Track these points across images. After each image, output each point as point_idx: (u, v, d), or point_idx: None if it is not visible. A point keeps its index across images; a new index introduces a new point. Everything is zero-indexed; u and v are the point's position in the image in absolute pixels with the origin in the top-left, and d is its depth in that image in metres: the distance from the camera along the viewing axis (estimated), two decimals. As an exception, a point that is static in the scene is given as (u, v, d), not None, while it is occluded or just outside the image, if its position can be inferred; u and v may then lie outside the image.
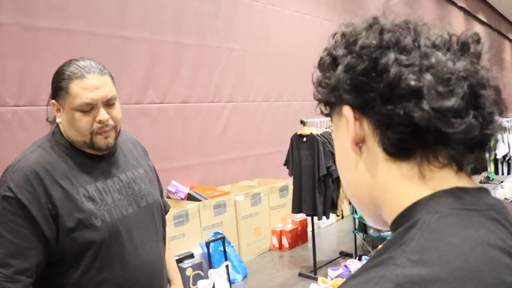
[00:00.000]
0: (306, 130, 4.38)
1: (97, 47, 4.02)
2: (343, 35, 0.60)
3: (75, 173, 1.39)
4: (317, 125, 4.53)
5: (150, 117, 4.62)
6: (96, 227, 1.36)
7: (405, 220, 0.53)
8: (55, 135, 1.44)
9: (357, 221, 4.75)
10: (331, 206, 4.37)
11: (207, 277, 3.47)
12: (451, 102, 0.51)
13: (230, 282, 3.73)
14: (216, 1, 5.33)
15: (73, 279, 1.36)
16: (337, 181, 4.36)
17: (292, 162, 4.48)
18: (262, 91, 6.02)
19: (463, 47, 0.56)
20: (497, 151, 6.15)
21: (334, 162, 4.28)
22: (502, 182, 5.01)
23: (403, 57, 0.54)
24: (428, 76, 0.52)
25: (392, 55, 0.54)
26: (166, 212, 1.72)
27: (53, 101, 1.41)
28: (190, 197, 4.76)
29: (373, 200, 0.60)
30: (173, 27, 4.83)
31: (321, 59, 0.63)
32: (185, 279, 3.99)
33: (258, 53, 5.92)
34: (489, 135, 0.54)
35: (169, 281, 1.70)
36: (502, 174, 6.45)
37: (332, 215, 4.81)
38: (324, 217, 4.42)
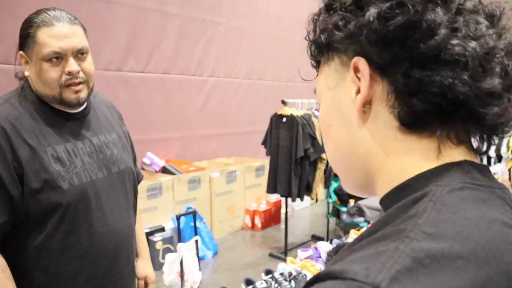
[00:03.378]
0: (286, 111, 4.34)
1: (77, 8, 3.85)
2: None
3: (43, 131, 1.31)
4: (298, 106, 4.49)
5: (129, 86, 4.50)
6: (63, 190, 1.29)
7: (406, 192, 0.48)
8: (24, 90, 1.36)
9: (331, 205, 4.77)
10: (306, 189, 4.36)
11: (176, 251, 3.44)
12: (492, 80, 0.46)
13: (199, 257, 3.70)
14: (204, -28, 5.19)
15: (36, 243, 1.29)
16: (313, 164, 4.35)
17: (270, 142, 4.44)
18: (245, 69, 5.94)
19: (493, 19, 0.50)
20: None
21: (312, 144, 4.26)
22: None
23: (446, 17, 0.46)
24: (473, 45, 0.46)
25: (440, 13, 0.46)
26: (139, 181, 1.65)
27: (21, 52, 1.32)
28: (165, 170, 4.69)
29: (367, 167, 0.54)
30: (159, -5, 4.68)
31: None
32: (155, 252, 3.95)
33: (244, 30, 5.81)
34: None
35: (136, 254, 1.65)
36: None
37: (306, 199, 4.82)
38: (298, 200, 4.42)
